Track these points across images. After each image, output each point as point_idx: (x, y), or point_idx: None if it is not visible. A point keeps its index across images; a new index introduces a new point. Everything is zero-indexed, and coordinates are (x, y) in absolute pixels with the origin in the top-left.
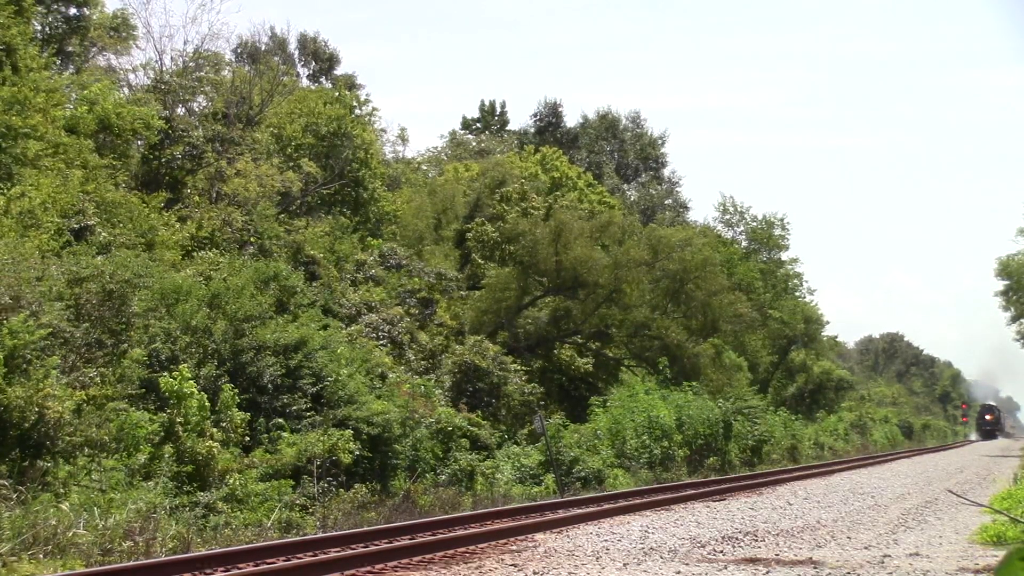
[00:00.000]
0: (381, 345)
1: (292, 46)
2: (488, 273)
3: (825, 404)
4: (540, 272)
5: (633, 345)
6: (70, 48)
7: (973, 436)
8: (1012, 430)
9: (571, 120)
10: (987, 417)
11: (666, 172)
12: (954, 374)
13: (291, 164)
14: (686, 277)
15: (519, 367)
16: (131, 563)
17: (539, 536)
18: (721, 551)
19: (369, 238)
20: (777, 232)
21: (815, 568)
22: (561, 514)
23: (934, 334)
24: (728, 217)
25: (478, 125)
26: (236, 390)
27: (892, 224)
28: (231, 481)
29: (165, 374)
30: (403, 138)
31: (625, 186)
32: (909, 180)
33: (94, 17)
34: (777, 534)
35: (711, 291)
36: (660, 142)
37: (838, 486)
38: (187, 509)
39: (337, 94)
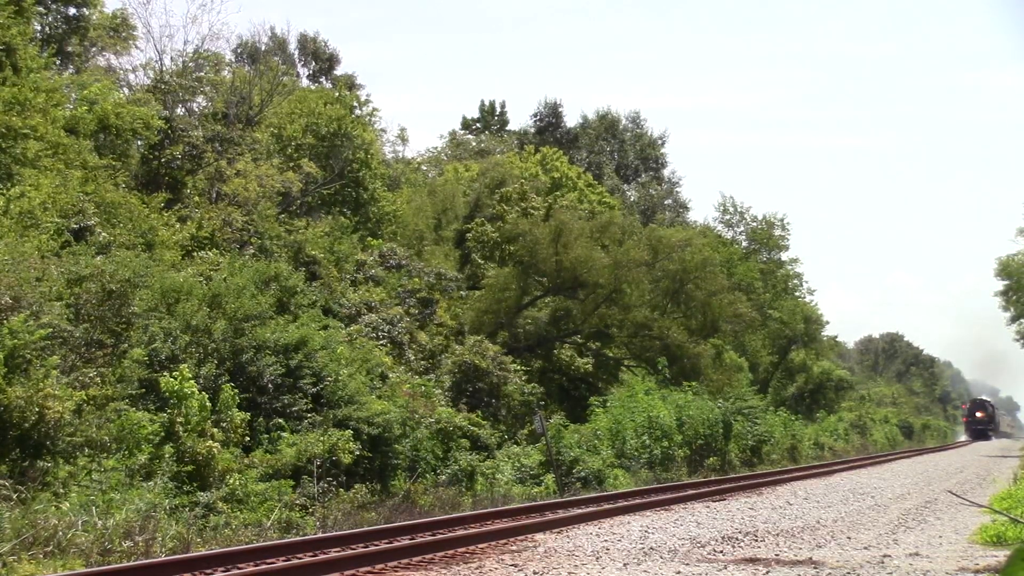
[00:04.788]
0: (381, 345)
1: (292, 46)
2: (488, 273)
3: (825, 404)
4: (540, 272)
5: (633, 345)
6: (70, 48)
7: (963, 436)
8: (1011, 429)
9: (571, 120)
10: (978, 415)
11: (666, 172)
12: (954, 374)
13: (291, 164)
14: (686, 277)
15: (519, 367)
16: (131, 563)
17: (539, 536)
18: (721, 551)
19: (369, 238)
20: (777, 232)
21: (815, 568)
22: (561, 514)
23: (934, 334)
24: (728, 217)
25: (478, 125)
26: (236, 390)
27: (892, 224)
28: (231, 481)
29: (165, 374)
30: (403, 138)
31: (625, 186)
32: (909, 180)
33: (94, 17)
34: (777, 534)
35: (711, 291)
36: (660, 142)
37: (838, 486)
38: (187, 509)
39: (337, 94)
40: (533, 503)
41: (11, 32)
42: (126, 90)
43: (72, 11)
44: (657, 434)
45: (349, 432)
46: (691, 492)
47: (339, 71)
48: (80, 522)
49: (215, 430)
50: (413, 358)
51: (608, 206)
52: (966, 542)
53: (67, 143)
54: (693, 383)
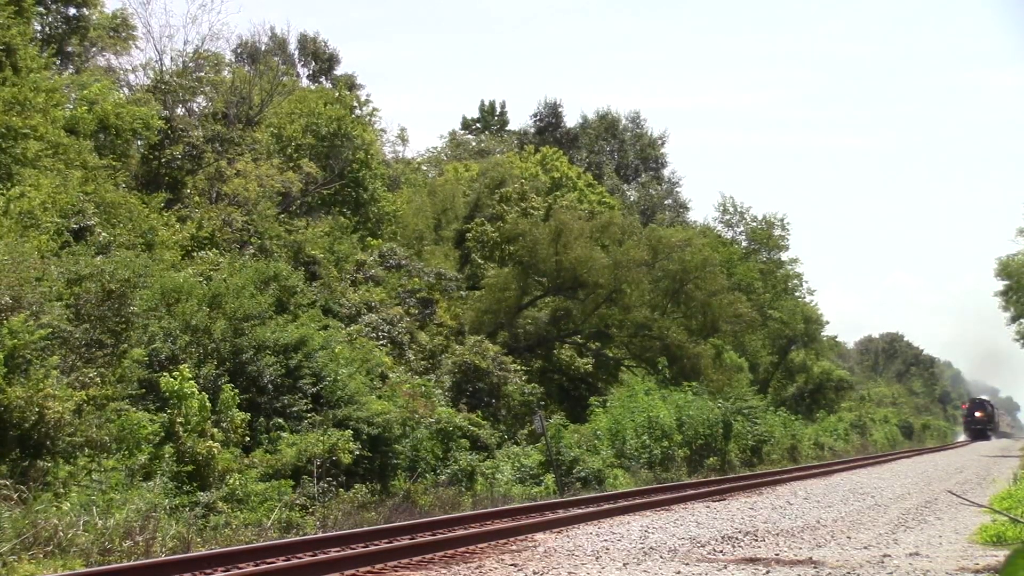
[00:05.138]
0: (381, 345)
1: (292, 46)
2: (488, 273)
3: (825, 404)
4: (540, 272)
5: (633, 345)
6: (70, 48)
7: (961, 437)
8: (1010, 429)
9: (571, 120)
10: (977, 414)
11: (666, 172)
12: (954, 374)
13: (291, 164)
14: (686, 277)
15: (519, 367)
16: (131, 563)
17: (539, 536)
18: (721, 551)
19: (369, 238)
20: (777, 232)
21: (815, 568)
22: (561, 514)
23: (934, 334)
24: (728, 217)
25: (478, 125)
26: (236, 390)
27: (892, 224)
28: (231, 481)
29: (165, 374)
30: (403, 138)
31: (625, 186)
32: (910, 180)
33: (94, 17)
34: (777, 534)
35: (711, 291)
36: (660, 142)
37: (838, 486)
38: (187, 509)
39: (337, 94)
40: (533, 503)
41: (11, 32)
42: (126, 90)
43: (72, 11)
44: (657, 434)
45: (349, 432)
46: (691, 492)
47: (339, 71)
48: (81, 522)
49: (215, 430)
50: (413, 358)
51: (608, 206)
52: (966, 542)
53: (67, 143)
54: (693, 383)
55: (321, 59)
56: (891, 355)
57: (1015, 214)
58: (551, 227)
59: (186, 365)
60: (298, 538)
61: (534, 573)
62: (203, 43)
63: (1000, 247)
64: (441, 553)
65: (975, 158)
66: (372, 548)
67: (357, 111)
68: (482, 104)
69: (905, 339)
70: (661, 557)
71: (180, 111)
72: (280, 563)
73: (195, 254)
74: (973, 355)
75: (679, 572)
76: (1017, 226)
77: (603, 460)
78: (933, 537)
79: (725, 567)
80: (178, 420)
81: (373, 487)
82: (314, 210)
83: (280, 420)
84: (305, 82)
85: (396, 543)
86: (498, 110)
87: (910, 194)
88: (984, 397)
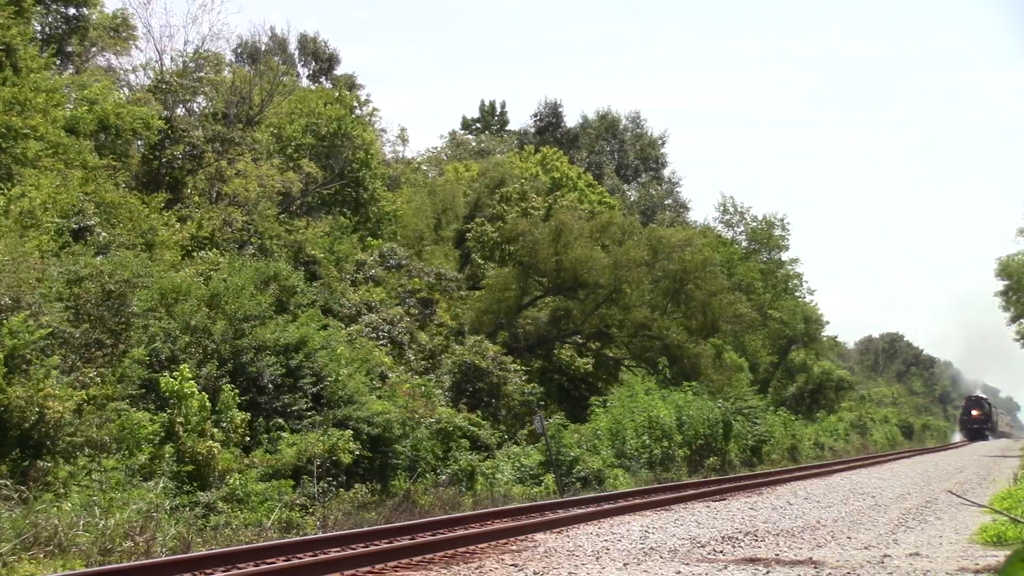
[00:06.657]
0: (381, 345)
1: (292, 46)
2: (488, 273)
3: (825, 404)
4: (540, 272)
5: (633, 345)
6: (70, 48)
7: (957, 437)
8: (1009, 429)
9: (571, 120)
10: (973, 413)
11: (666, 172)
12: (954, 374)
13: (291, 164)
14: (686, 277)
15: (519, 367)
16: (131, 563)
17: (539, 536)
18: (721, 551)
19: (369, 238)
20: (777, 232)
21: (815, 568)
22: (561, 514)
23: (934, 334)
24: (728, 217)
25: (478, 125)
26: (236, 390)
27: (892, 224)
28: (231, 481)
29: (165, 374)
30: (403, 138)
31: (625, 186)
32: (909, 180)
33: (94, 17)
34: (777, 534)
35: (711, 291)
36: (660, 142)
37: (838, 486)
38: (187, 509)
39: (337, 94)
40: (533, 503)
41: (11, 32)
42: (126, 90)
43: (72, 11)
44: (657, 434)
45: (349, 432)
46: (691, 492)
47: (339, 71)
48: (82, 522)
49: (215, 430)
50: (413, 358)
51: (608, 206)
52: (966, 542)
53: (67, 143)
54: (693, 383)
55: (321, 59)
56: (891, 355)
57: (1015, 214)
58: (551, 227)
59: (186, 365)
60: (298, 538)
61: (534, 573)
62: (203, 43)
63: (1000, 247)
64: (441, 553)
65: (975, 158)
66: (372, 548)
67: (357, 111)
68: (482, 104)
69: (905, 339)
70: (661, 557)
71: (180, 111)
72: (280, 563)
73: (195, 254)
74: (964, 342)
75: (679, 572)
76: (1017, 226)
77: (603, 460)
78: (933, 537)
79: (725, 567)
80: (178, 420)
81: (373, 487)
82: (314, 210)
83: (280, 420)
84: (305, 82)
85: (396, 543)
86: (498, 110)
87: (910, 194)
88: (981, 395)
